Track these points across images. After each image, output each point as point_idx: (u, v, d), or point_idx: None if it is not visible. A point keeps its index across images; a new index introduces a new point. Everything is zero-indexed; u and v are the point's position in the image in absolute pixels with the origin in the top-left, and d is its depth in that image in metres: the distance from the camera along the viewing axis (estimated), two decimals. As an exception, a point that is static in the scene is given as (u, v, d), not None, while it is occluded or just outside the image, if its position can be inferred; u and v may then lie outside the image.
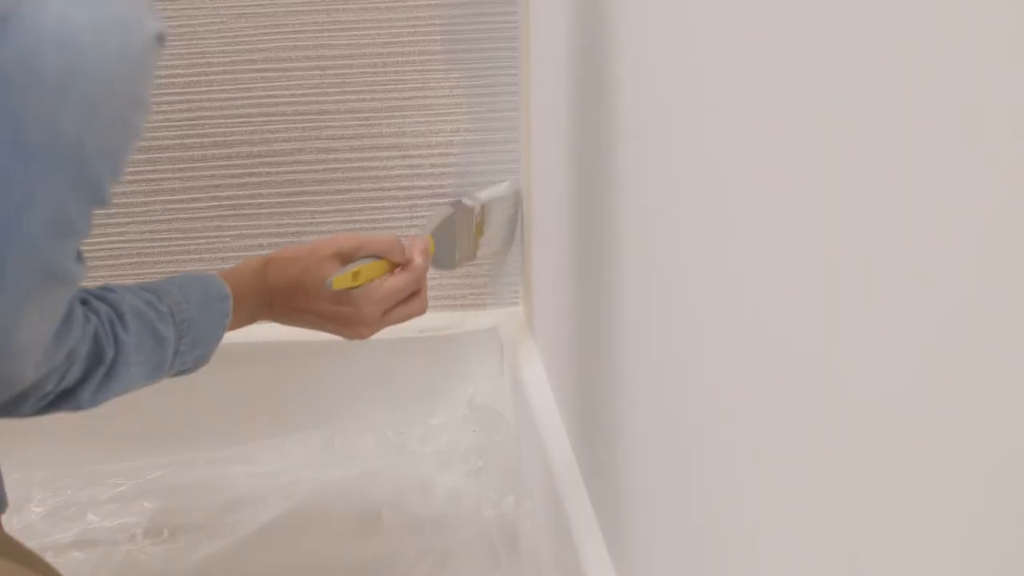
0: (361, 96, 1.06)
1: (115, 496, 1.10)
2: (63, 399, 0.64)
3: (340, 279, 0.79)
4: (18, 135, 0.50)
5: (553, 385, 1.02)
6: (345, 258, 0.81)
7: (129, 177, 1.06)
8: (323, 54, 1.04)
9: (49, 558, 1.03)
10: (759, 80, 0.43)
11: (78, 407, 0.65)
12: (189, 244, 1.10)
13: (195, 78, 1.04)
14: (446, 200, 1.06)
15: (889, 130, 0.32)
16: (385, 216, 1.11)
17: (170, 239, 1.10)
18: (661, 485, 0.63)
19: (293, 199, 1.10)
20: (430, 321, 1.15)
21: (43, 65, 0.48)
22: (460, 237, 1.02)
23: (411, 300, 0.84)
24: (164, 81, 1.03)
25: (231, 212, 1.10)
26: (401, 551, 1.03)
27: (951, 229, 0.29)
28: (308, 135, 1.07)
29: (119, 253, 1.10)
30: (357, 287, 0.80)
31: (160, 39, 0.52)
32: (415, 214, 1.12)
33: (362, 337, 0.83)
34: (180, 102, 1.04)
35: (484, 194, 1.08)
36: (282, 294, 0.79)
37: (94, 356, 0.64)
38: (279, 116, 1.06)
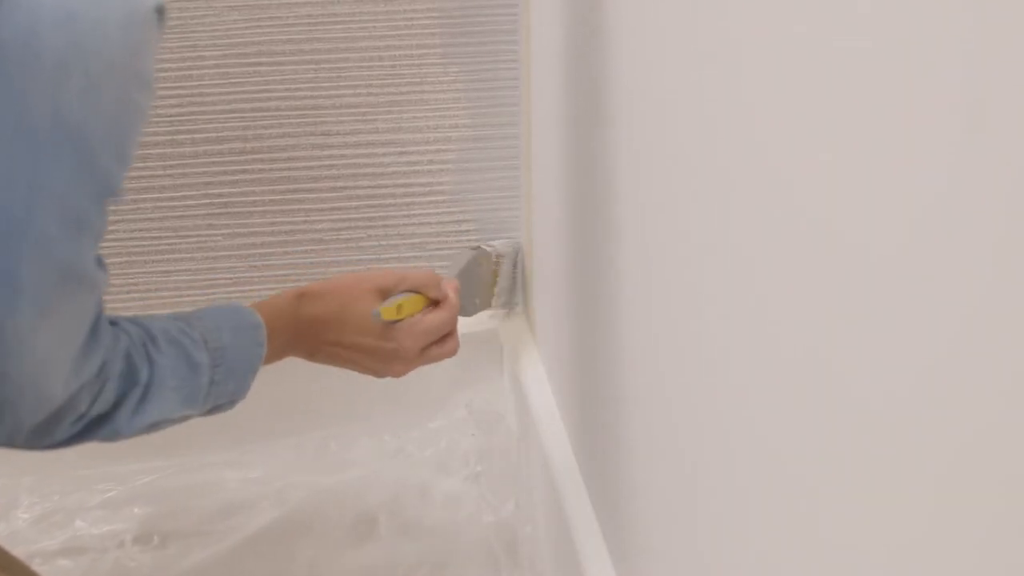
0: (357, 91, 1.06)
1: (104, 502, 1.09)
2: (99, 424, 0.63)
3: (387, 310, 0.78)
4: (21, 122, 0.49)
5: (554, 388, 1.02)
6: (385, 293, 0.80)
7: (118, 174, 1.06)
8: (318, 48, 1.04)
9: (36, 565, 1.03)
10: (763, 76, 0.42)
11: (116, 433, 0.64)
12: (180, 243, 1.10)
13: (186, 72, 1.03)
14: (467, 246, 1.07)
15: (896, 126, 0.32)
16: (381, 214, 1.11)
17: (160, 238, 1.10)
18: (664, 489, 0.63)
19: (287, 196, 1.09)
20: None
21: (42, 44, 0.48)
22: (479, 283, 1.03)
23: (446, 340, 0.84)
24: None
25: (223, 210, 1.09)
26: (398, 558, 1.03)
27: (959, 227, 0.29)
28: (302, 131, 1.07)
29: (108, 252, 1.09)
30: (399, 320, 0.80)
31: (160, 12, 0.52)
32: (412, 212, 1.12)
33: (396, 374, 0.82)
34: (171, 97, 1.04)
35: (497, 243, 1.09)
36: (316, 327, 0.78)
37: (128, 377, 0.63)
38: (272, 111, 1.06)
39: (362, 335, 0.78)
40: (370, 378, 1.15)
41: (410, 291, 0.81)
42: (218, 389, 0.69)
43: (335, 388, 1.14)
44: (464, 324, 1.15)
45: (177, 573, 1.04)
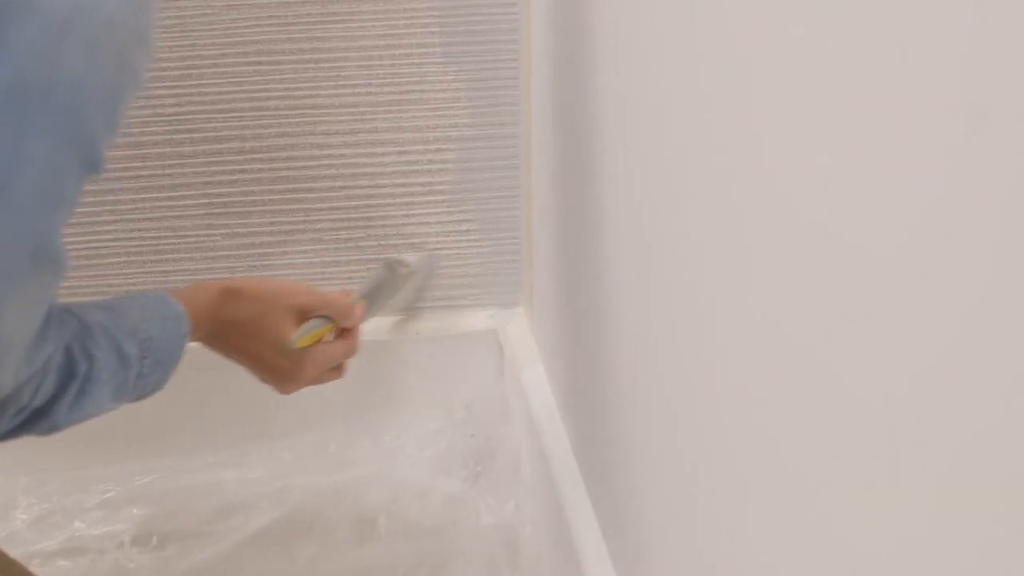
0: (356, 90, 1.06)
1: (103, 502, 1.09)
2: (38, 417, 0.62)
3: (303, 340, 0.80)
4: (15, 80, 0.48)
5: (554, 388, 1.02)
6: (303, 313, 0.82)
7: (117, 174, 1.06)
8: (317, 47, 1.04)
9: (35, 567, 1.03)
10: (762, 75, 0.42)
11: (54, 426, 0.63)
12: (179, 243, 1.10)
13: (185, 71, 1.03)
14: (384, 260, 1.08)
15: (894, 127, 0.32)
16: (381, 213, 1.11)
17: (159, 237, 1.10)
18: (665, 490, 0.63)
19: (286, 196, 1.09)
20: (428, 322, 1.15)
21: (44, 1, 0.47)
22: (380, 298, 1.03)
23: (338, 368, 0.87)
24: (153, 75, 1.03)
25: (222, 210, 1.09)
26: (397, 559, 1.03)
27: (959, 228, 0.29)
28: (302, 130, 1.07)
29: (106, 252, 1.09)
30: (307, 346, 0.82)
31: None
32: (412, 211, 1.12)
33: (286, 392, 0.84)
34: (169, 96, 1.04)
35: (414, 259, 1.10)
36: (231, 328, 0.78)
37: (67, 369, 0.62)
38: (272, 111, 1.06)
39: (270, 351, 0.80)
40: (369, 379, 1.16)
41: (325, 317, 0.83)
42: (143, 381, 0.69)
43: (334, 388, 1.14)
44: (464, 324, 1.16)
45: (176, 574, 1.04)
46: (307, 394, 1.13)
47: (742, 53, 0.45)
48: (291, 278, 1.13)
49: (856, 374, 0.36)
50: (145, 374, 0.69)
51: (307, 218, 1.11)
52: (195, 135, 1.06)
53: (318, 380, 0.85)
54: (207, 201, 1.09)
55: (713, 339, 0.52)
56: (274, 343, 0.80)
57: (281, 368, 0.81)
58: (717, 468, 0.53)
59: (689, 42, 0.53)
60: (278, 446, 1.14)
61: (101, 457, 1.12)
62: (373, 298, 0.99)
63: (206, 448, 1.13)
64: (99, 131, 0.52)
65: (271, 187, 1.09)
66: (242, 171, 1.08)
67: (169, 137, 1.06)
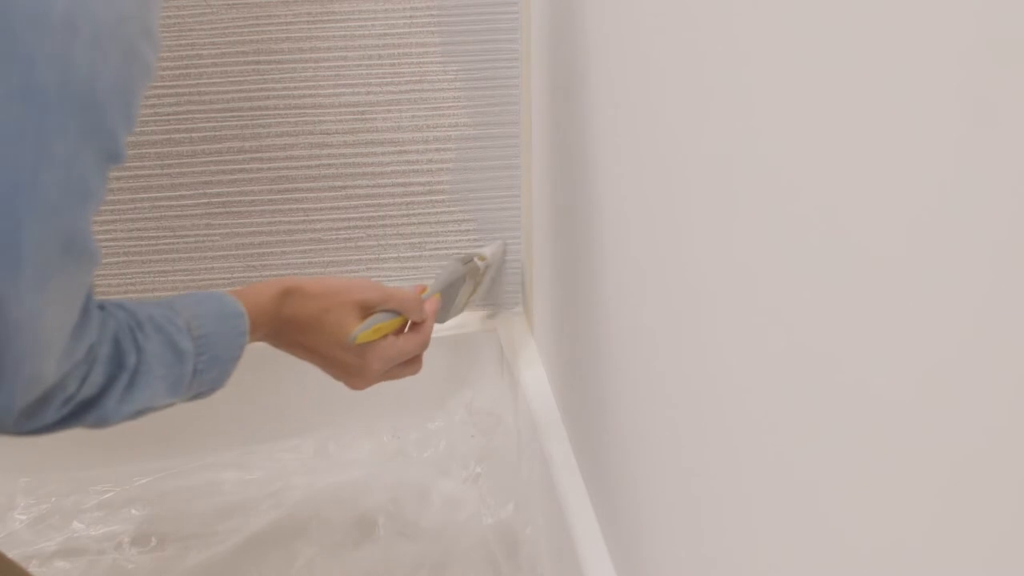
0: (356, 89, 1.06)
1: (101, 503, 1.09)
2: (87, 409, 0.62)
3: (365, 335, 0.80)
4: (29, 79, 0.48)
5: (554, 388, 1.01)
6: (367, 308, 0.81)
7: (116, 173, 1.06)
8: (316, 46, 1.04)
9: (33, 568, 1.03)
10: (764, 73, 0.42)
11: (104, 418, 0.63)
12: (178, 242, 1.10)
13: (184, 71, 1.03)
14: (457, 256, 1.07)
15: (898, 122, 0.32)
16: (380, 213, 1.11)
17: (158, 237, 1.10)
18: (665, 490, 0.63)
19: (285, 196, 1.09)
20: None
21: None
22: (461, 294, 1.03)
23: (412, 362, 0.86)
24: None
25: (221, 209, 1.09)
26: (397, 560, 1.03)
27: (965, 225, 0.29)
28: (301, 130, 1.07)
29: (105, 252, 1.09)
30: (373, 340, 0.81)
31: None
32: (411, 211, 1.12)
33: (356, 388, 0.84)
34: (168, 96, 1.04)
35: (488, 251, 1.09)
36: (293, 326, 0.79)
37: (115, 360, 0.63)
38: (271, 110, 1.06)
39: (334, 347, 0.80)
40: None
41: (391, 311, 0.82)
42: (201, 377, 0.69)
43: (334, 389, 1.14)
44: (464, 324, 1.16)
45: (175, 575, 1.03)
46: (305, 395, 1.14)
47: (743, 51, 0.45)
48: (357, 275, 1.12)
49: (858, 373, 0.36)
50: (201, 370, 0.69)
51: (306, 218, 1.11)
52: (194, 135, 1.06)
53: (390, 375, 0.84)
54: (206, 201, 1.09)
55: (714, 339, 0.52)
56: (337, 339, 0.79)
57: (347, 364, 0.81)
58: (718, 468, 0.53)
59: (690, 40, 0.53)
60: (277, 447, 1.14)
61: (100, 458, 1.12)
62: (450, 294, 0.98)
63: (205, 449, 1.13)
64: (117, 125, 0.53)
65: (270, 187, 1.09)
66: (241, 171, 1.08)
67: (168, 136, 1.06)
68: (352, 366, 0.81)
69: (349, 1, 1.02)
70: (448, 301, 0.99)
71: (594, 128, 0.76)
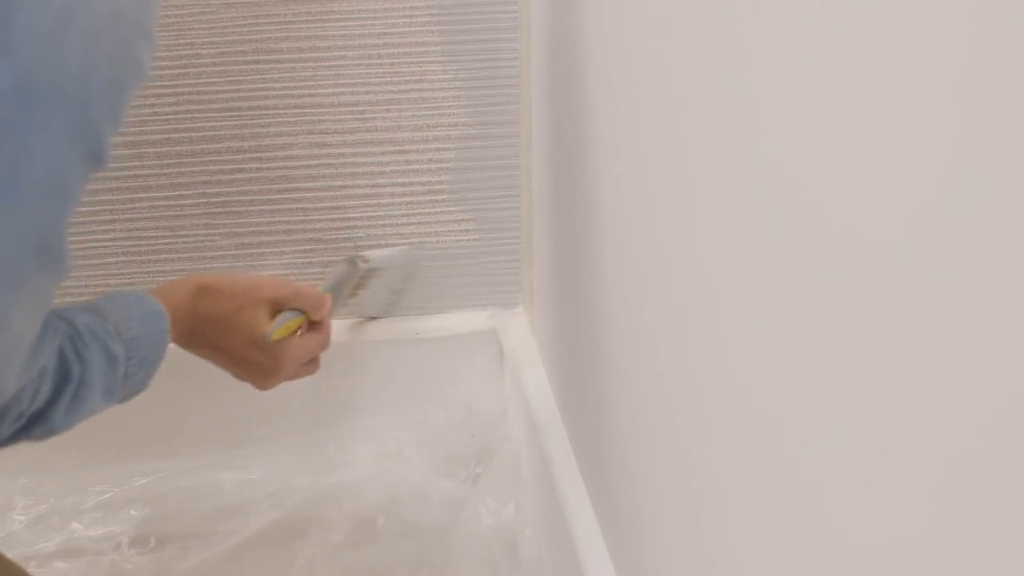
0: (355, 89, 1.06)
1: (100, 504, 1.09)
2: (35, 422, 0.62)
3: (279, 332, 0.80)
4: (18, 74, 0.47)
5: (555, 388, 1.01)
6: (277, 306, 0.81)
7: (114, 173, 1.06)
8: (316, 45, 1.04)
9: (32, 568, 1.03)
10: (764, 71, 0.42)
11: (51, 430, 0.62)
12: (177, 242, 1.10)
13: (183, 70, 1.03)
14: (345, 257, 1.08)
15: (898, 120, 0.32)
16: (380, 213, 1.11)
17: (157, 237, 1.10)
18: (666, 491, 0.63)
19: (285, 196, 1.09)
20: (427, 323, 1.15)
21: None
22: (343, 294, 1.03)
23: (313, 362, 0.86)
24: (151, 74, 1.03)
25: (220, 209, 1.09)
26: (397, 561, 1.03)
27: (966, 223, 0.29)
28: (300, 129, 1.07)
29: (104, 252, 1.09)
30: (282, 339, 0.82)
31: None
32: (411, 211, 1.12)
33: (264, 388, 0.83)
34: (168, 95, 1.04)
35: (375, 254, 1.09)
36: (207, 324, 0.78)
37: (61, 373, 0.62)
38: (270, 109, 1.06)
39: (246, 347, 0.79)
40: (369, 380, 1.16)
41: (296, 309, 0.82)
42: (129, 381, 0.69)
43: (333, 389, 1.14)
44: (464, 324, 1.16)
45: (175, 575, 1.03)
46: (305, 395, 1.14)
47: (743, 50, 0.45)
48: (262, 273, 1.12)
49: (858, 373, 0.36)
50: (131, 374, 0.68)
51: (306, 218, 1.11)
52: (193, 134, 1.06)
53: (295, 375, 0.84)
54: (205, 200, 1.09)
55: (714, 338, 0.52)
56: (250, 337, 0.79)
57: (258, 363, 0.80)
58: (718, 468, 0.53)
59: (690, 38, 0.53)
60: (277, 447, 1.14)
61: (99, 458, 1.12)
62: (337, 292, 0.98)
63: (205, 449, 1.13)
64: (104, 124, 0.52)
65: (270, 186, 1.09)
66: (240, 170, 1.08)
67: (167, 136, 1.06)
68: (263, 365, 0.80)
69: (348, 0, 1.02)
70: (336, 302, 0.98)
71: (594, 128, 0.76)
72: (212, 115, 1.05)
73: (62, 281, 0.57)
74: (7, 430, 0.60)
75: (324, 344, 0.86)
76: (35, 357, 0.58)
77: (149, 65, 0.55)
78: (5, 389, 0.56)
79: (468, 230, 1.13)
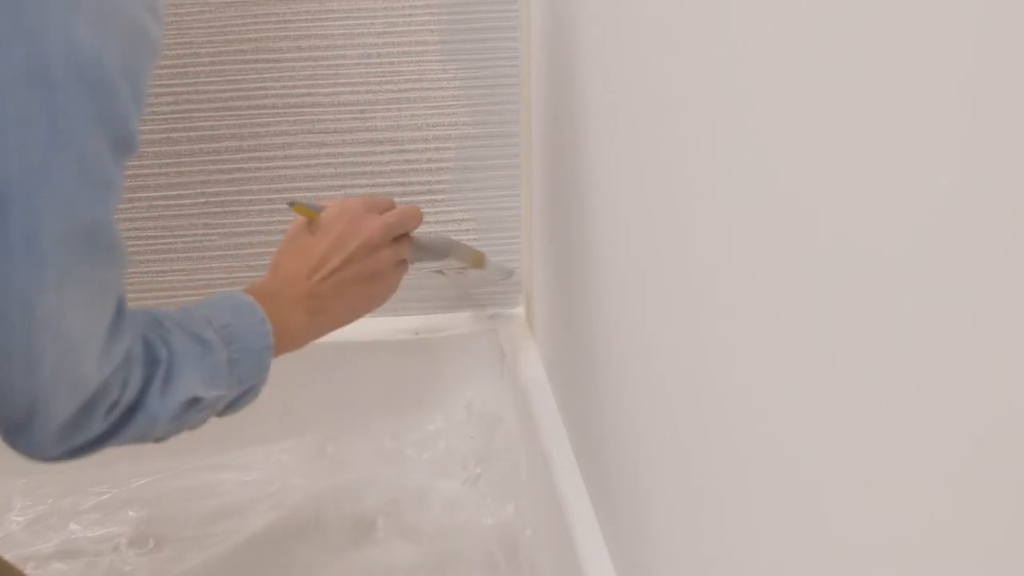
0: (355, 88, 1.06)
1: (99, 504, 1.09)
2: (133, 413, 0.62)
3: (298, 206, 0.81)
4: (34, 58, 0.47)
5: (555, 389, 1.01)
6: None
7: (113, 172, 1.06)
8: (315, 44, 1.04)
9: (30, 569, 1.03)
10: (765, 71, 0.42)
11: (153, 417, 0.63)
12: (176, 242, 1.10)
13: (182, 69, 1.03)
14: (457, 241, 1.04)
15: (898, 120, 0.32)
16: (380, 213, 1.11)
17: (156, 237, 1.10)
18: (666, 491, 0.63)
19: (284, 195, 1.09)
20: (427, 323, 1.15)
21: None
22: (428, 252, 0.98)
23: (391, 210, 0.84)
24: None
25: (219, 209, 1.09)
26: (396, 561, 1.03)
27: (967, 224, 0.29)
28: (300, 128, 1.07)
29: (103, 251, 1.09)
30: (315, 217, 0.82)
31: None
32: (411, 211, 1.12)
33: (370, 244, 0.81)
34: (166, 94, 1.04)
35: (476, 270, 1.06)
36: (289, 279, 0.79)
37: (149, 358, 0.62)
38: (269, 109, 1.06)
39: (315, 243, 0.80)
40: (368, 380, 1.15)
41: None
42: (239, 368, 0.69)
43: (333, 390, 1.14)
44: (464, 324, 1.16)
45: (173, 577, 1.04)
46: (304, 396, 1.14)
47: (743, 50, 0.45)
48: None
49: (859, 373, 0.36)
50: (236, 360, 0.69)
51: (305, 217, 1.11)
52: (192, 133, 1.06)
53: (389, 218, 0.82)
54: (204, 200, 1.09)
55: (714, 338, 0.52)
56: (310, 245, 0.80)
57: (316, 243, 0.80)
58: (719, 468, 0.53)
59: (690, 37, 0.53)
60: (276, 448, 1.14)
61: (97, 459, 1.11)
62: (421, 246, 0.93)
63: (203, 450, 1.13)
64: (127, 104, 0.52)
65: (269, 186, 1.09)
66: (239, 170, 1.08)
67: (166, 136, 1.06)
68: (318, 242, 0.80)
69: (348, -1, 1.03)
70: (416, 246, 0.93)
71: (594, 127, 0.76)
72: (210, 114, 1.06)
73: (123, 268, 0.57)
74: (100, 424, 0.60)
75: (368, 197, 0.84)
76: (113, 345, 0.58)
77: (160, 40, 0.55)
78: (88, 379, 0.56)
79: (468, 230, 1.13)
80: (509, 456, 1.08)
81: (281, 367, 1.13)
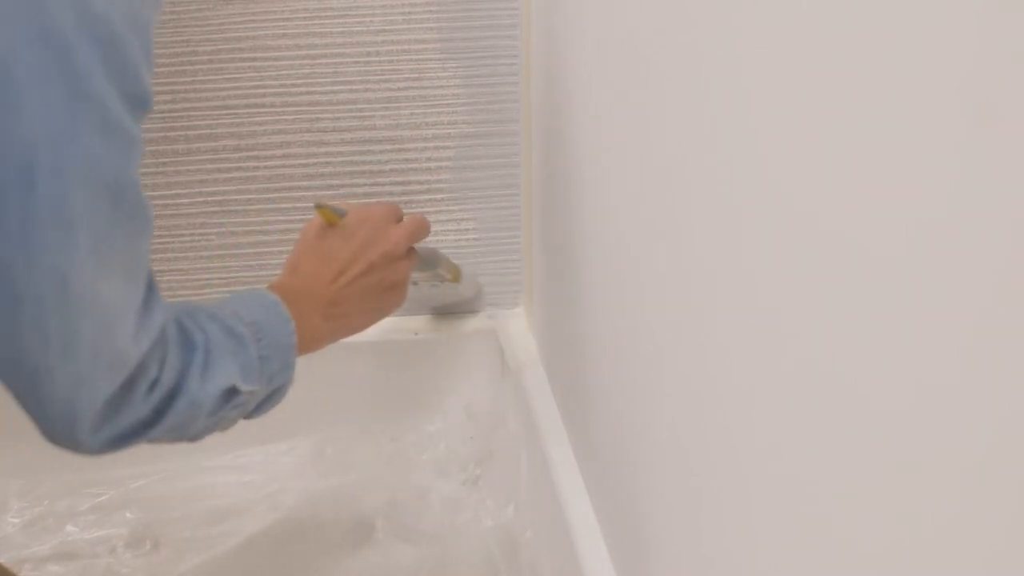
0: (353, 87, 1.06)
1: (95, 506, 1.10)
2: (174, 396, 0.62)
3: (323, 209, 0.82)
4: (45, 22, 0.48)
5: (555, 389, 1.02)
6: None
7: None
8: (314, 42, 1.04)
9: (26, 571, 1.03)
10: (763, 72, 0.43)
11: (195, 402, 0.62)
12: (173, 242, 1.10)
13: (179, 68, 1.04)
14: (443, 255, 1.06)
15: (898, 124, 0.32)
16: (379, 212, 1.11)
17: (154, 236, 1.10)
18: (667, 492, 0.63)
19: (282, 195, 1.10)
20: (426, 323, 1.16)
21: None
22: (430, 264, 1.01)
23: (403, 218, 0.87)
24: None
25: (217, 208, 1.10)
26: (396, 564, 1.04)
27: (968, 227, 0.29)
28: (298, 127, 1.07)
29: (100, 251, 1.10)
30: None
31: None
32: (410, 210, 1.12)
33: (392, 255, 0.83)
34: (163, 93, 1.04)
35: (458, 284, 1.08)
36: (309, 281, 0.79)
37: (185, 341, 0.63)
38: (267, 108, 1.06)
39: (338, 248, 0.81)
40: (367, 380, 1.16)
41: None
42: (269, 366, 0.70)
43: (332, 391, 1.14)
44: (463, 325, 1.16)
45: (170, 579, 1.04)
46: (302, 396, 1.13)
47: (743, 49, 0.45)
48: None
49: (859, 374, 0.36)
50: (267, 356, 0.69)
51: (304, 217, 1.11)
52: (190, 132, 1.06)
53: (405, 226, 0.84)
54: (202, 200, 1.09)
55: (714, 339, 0.52)
56: (335, 248, 0.82)
57: (360, 241, 0.82)
58: (720, 469, 0.53)
59: (690, 35, 0.53)
60: (274, 449, 1.14)
61: (94, 460, 1.12)
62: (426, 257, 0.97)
63: (201, 451, 1.13)
64: (138, 59, 0.53)
65: (267, 185, 1.09)
66: (238, 169, 1.08)
67: (163, 135, 1.06)
68: (343, 245, 0.82)
69: (347, -3, 1.03)
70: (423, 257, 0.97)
71: (595, 126, 0.77)
72: (208, 113, 1.06)
73: (149, 234, 0.57)
74: (142, 403, 0.60)
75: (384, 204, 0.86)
76: (149, 319, 0.58)
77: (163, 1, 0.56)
78: (127, 354, 0.56)
79: (468, 229, 1.13)
80: (509, 457, 1.08)
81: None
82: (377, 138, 1.08)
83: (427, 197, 1.11)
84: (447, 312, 1.16)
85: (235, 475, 1.12)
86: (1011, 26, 0.27)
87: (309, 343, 0.77)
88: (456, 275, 1.06)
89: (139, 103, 0.54)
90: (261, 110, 1.06)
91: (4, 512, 1.09)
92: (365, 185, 1.10)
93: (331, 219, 0.83)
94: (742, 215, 0.47)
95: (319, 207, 0.83)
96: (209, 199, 1.09)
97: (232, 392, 0.66)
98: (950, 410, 0.31)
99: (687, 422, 0.58)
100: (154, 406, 0.61)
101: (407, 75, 1.06)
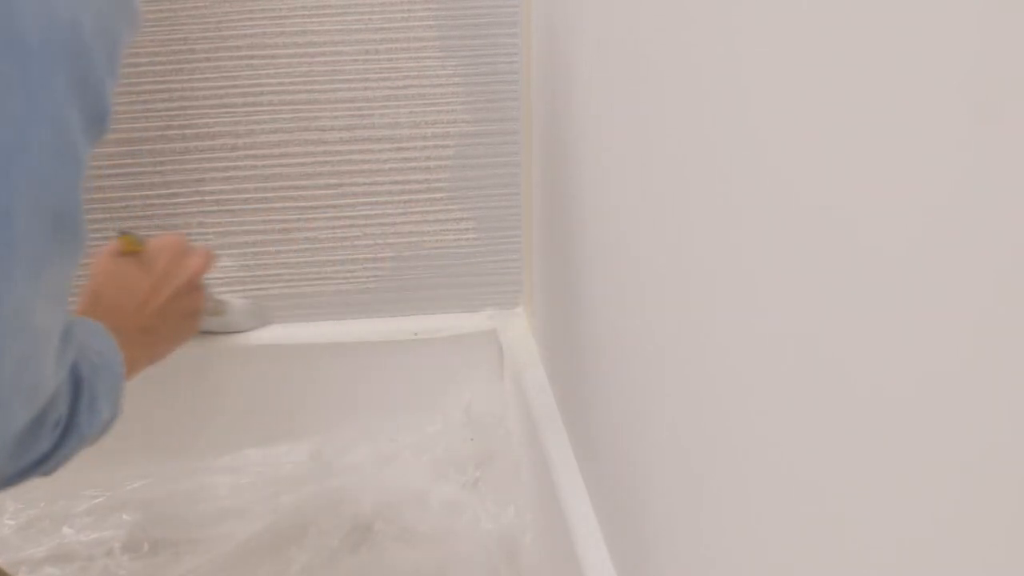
0: (352, 85, 1.07)
1: (92, 508, 1.10)
2: (67, 432, 0.59)
3: (125, 239, 0.85)
4: (11, 25, 0.45)
5: (555, 390, 1.02)
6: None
7: (107, 170, 1.07)
8: (312, 40, 1.04)
9: (22, 574, 1.03)
10: (764, 70, 0.43)
11: (81, 439, 0.61)
12: (170, 241, 1.11)
13: (177, 66, 1.04)
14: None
15: (900, 120, 0.33)
16: (378, 211, 1.12)
17: (151, 236, 1.10)
18: (668, 493, 0.63)
19: (280, 194, 1.10)
20: (426, 323, 1.16)
21: None
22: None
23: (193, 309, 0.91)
24: (144, 69, 1.04)
25: (215, 207, 1.10)
26: (394, 566, 1.04)
27: (972, 224, 0.30)
28: (296, 126, 1.08)
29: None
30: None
31: None
32: (409, 209, 1.12)
33: (192, 283, 0.87)
34: (161, 91, 1.05)
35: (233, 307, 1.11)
36: (118, 307, 0.80)
37: (73, 377, 0.61)
38: (265, 106, 1.07)
39: (140, 277, 0.83)
40: (366, 381, 1.16)
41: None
42: (114, 397, 0.68)
43: (330, 392, 1.15)
44: (463, 325, 1.16)
45: (167, 581, 1.04)
46: (301, 397, 1.14)
47: (743, 48, 0.46)
48: (353, 273, 1.13)
49: (861, 373, 0.37)
50: (112, 387, 0.67)
51: (302, 216, 1.11)
52: (187, 131, 1.07)
53: (180, 268, 0.87)
54: (199, 199, 1.09)
55: (715, 338, 0.52)
56: (135, 276, 0.84)
57: (141, 278, 0.84)
58: (719, 468, 0.53)
59: (691, 34, 0.53)
60: (272, 451, 1.14)
61: (91, 462, 1.12)
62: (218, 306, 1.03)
63: (198, 453, 1.13)
64: (103, 74, 0.51)
65: (265, 184, 1.10)
66: (235, 168, 1.09)
67: (161, 133, 1.06)
68: (145, 277, 0.84)
69: (345, -5, 1.03)
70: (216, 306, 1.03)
71: (595, 125, 0.77)
72: (206, 112, 1.06)
73: (80, 258, 0.55)
74: (47, 441, 0.57)
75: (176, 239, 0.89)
76: (64, 352, 0.56)
77: (139, 9, 0.54)
78: (46, 383, 0.54)
79: (467, 229, 1.14)
80: (509, 458, 1.08)
81: (275, 370, 1.14)
82: (376, 136, 1.09)
83: (426, 196, 1.11)
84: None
85: (233, 476, 1.12)
86: (1012, 25, 0.27)
87: (129, 372, 0.74)
88: (219, 310, 1.09)
89: (97, 122, 0.52)
90: (259, 108, 1.06)
91: (0, 514, 1.09)
92: (364, 184, 1.10)
93: (135, 248, 0.86)
94: (742, 214, 0.47)
95: (124, 235, 0.86)
96: (207, 198, 1.09)
97: (108, 424, 0.65)
98: (951, 410, 0.31)
99: (687, 422, 0.58)
100: (54, 441, 0.58)
101: (406, 73, 1.06)
